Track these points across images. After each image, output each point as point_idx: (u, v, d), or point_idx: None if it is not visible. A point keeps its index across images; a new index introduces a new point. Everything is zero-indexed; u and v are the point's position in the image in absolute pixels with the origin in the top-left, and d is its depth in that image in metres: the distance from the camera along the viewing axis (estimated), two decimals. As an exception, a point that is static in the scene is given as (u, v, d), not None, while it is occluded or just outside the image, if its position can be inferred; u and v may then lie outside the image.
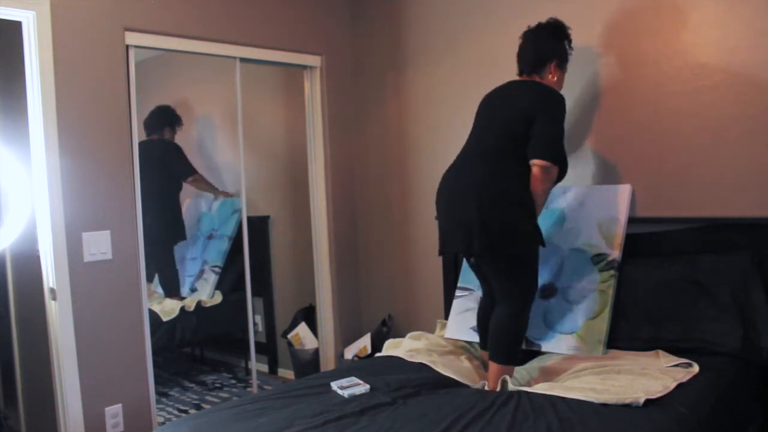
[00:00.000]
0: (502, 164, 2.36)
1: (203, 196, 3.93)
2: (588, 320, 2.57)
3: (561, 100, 2.45)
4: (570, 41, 2.61)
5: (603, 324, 2.53)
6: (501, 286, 2.43)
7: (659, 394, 1.95)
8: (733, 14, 2.52)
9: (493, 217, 2.29)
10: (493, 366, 2.34)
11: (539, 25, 2.60)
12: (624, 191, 2.73)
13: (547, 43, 2.54)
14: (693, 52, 2.62)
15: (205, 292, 3.75)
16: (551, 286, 2.73)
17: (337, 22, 3.76)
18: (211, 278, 3.77)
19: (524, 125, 2.37)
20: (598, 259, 2.66)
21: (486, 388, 2.30)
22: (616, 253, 2.63)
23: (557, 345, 2.59)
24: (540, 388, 2.13)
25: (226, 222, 3.81)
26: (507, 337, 2.36)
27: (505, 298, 2.41)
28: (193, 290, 3.80)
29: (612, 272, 2.60)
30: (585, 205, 2.79)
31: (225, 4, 3.22)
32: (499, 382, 2.27)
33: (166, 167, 3.71)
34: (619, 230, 2.66)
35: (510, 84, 2.57)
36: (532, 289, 2.44)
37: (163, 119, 3.69)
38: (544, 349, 2.62)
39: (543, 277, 2.70)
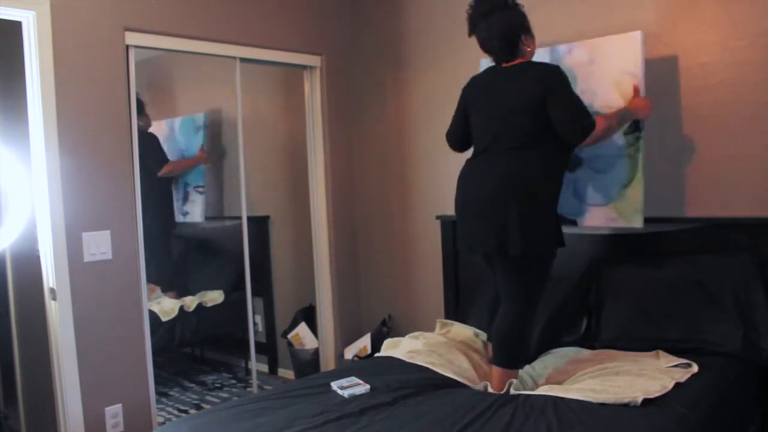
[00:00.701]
0: (525, 158, 2.27)
1: (164, 121, 3.87)
2: (621, 189, 2.51)
3: (558, 71, 2.30)
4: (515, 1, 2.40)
5: (638, 191, 2.48)
6: (511, 286, 2.35)
7: (657, 394, 1.95)
8: (732, 14, 2.52)
9: (528, 217, 2.22)
10: (497, 370, 2.32)
11: (475, 9, 2.41)
12: (635, 39, 2.51)
13: (503, 22, 2.35)
14: (693, 51, 2.62)
15: (197, 214, 3.76)
16: (575, 158, 2.61)
17: (337, 22, 3.76)
18: (198, 199, 3.77)
19: (533, 114, 2.26)
20: None
21: (489, 389, 2.29)
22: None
23: (592, 218, 2.56)
24: (541, 391, 2.13)
25: (191, 141, 3.79)
26: (512, 341, 2.31)
27: (513, 298, 2.34)
28: (184, 214, 3.80)
29: (637, 134, 2.50)
30: (595, 62, 2.61)
31: (225, 4, 3.22)
32: (506, 385, 2.26)
33: (145, 156, 3.63)
34: (638, 85, 2.49)
35: (498, 71, 2.43)
36: (541, 292, 2.40)
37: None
38: (579, 224, 2.60)
39: None
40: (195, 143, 3.76)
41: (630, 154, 2.51)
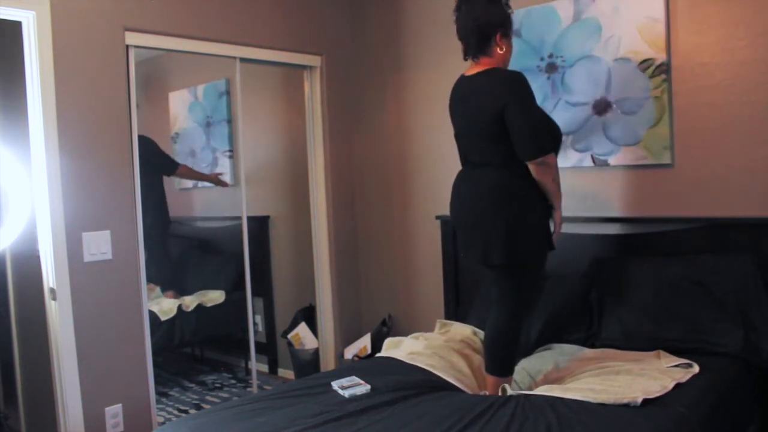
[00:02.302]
0: (501, 171, 2.23)
1: (187, 90, 3.95)
2: (649, 129, 2.69)
3: (520, 79, 2.20)
4: (507, 2, 2.31)
5: (665, 129, 2.65)
6: (500, 293, 2.33)
7: (657, 394, 1.95)
8: (732, 14, 2.52)
9: (509, 226, 2.19)
10: (490, 378, 2.32)
11: None
12: None
13: (483, 12, 2.24)
14: (693, 51, 2.62)
15: (226, 178, 3.79)
16: (604, 101, 2.81)
17: (337, 22, 3.76)
18: (227, 163, 3.81)
19: (498, 124, 2.19)
20: (645, 65, 2.69)
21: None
22: (663, 56, 2.65)
23: (624, 157, 2.77)
24: (540, 391, 2.13)
25: (217, 106, 3.84)
26: (504, 349, 2.30)
27: (502, 305, 2.32)
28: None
29: (663, 76, 2.65)
30: (619, 9, 2.75)
31: (225, 3, 3.22)
32: (499, 390, 2.26)
33: (143, 163, 3.67)
34: (662, 30, 2.65)
35: (465, 81, 2.34)
36: (530, 298, 2.39)
37: None
38: (612, 163, 2.80)
39: (594, 93, 2.82)
40: (220, 108, 3.80)
41: (657, 95, 2.67)
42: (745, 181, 2.52)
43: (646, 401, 1.91)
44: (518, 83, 2.20)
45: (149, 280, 3.31)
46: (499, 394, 2.24)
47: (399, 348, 2.76)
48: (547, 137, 2.23)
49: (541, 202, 2.27)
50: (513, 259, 2.21)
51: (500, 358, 2.30)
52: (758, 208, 2.50)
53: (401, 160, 3.66)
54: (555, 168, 2.25)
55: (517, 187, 2.22)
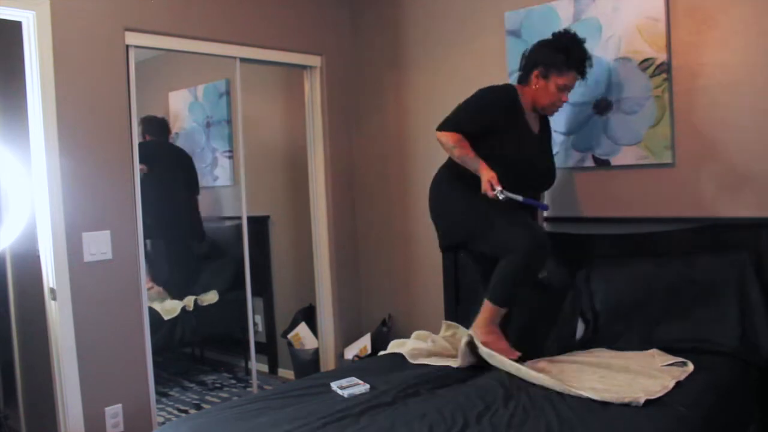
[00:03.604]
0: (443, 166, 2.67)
1: (187, 90, 4.00)
2: (650, 128, 2.70)
3: (485, 90, 2.54)
4: (569, 52, 2.50)
5: (666, 129, 2.66)
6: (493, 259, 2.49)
7: (659, 394, 1.95)
8: (731, 15, 2.53)
9: (435, 213, 2.65)
10: (487, 305, 2.42)
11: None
12: None
13: (536, 52, 2.56)
14: (693, 51, 2.62)
15: (226, 178, 3.85)
16: (605, 101, 2.83)
17: (337, 22, 3.76)
18: (227, 164, 3.85)
19: None
20: (646, 65, 2.69)
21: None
22: (663, 56, 2.65)
23: (625, 157, 2.78)
24: (533, 376, 2.13)
25: (216, 106, 3.88)
26: (511, 275, 2.40)
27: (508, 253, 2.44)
28: (214, 179, 3.92)
29: (664, 76, 2.65)
30: (619, 9, 2.77)
31: (225, 4, 3.22)
32: (465, 338, 2.34)
33: (184, 172, 3.83)
34: (662, 30, 2.65)
35: None
36: (526, 237, 2.40)
37: (165, 126, 3.74)
38: (613, 163, 2.82)
39: (595, 92, 2.85)
40: (220, 108, 3.84)
41: (657, 95, 2.67)
42: (746, 180, 2.52)
43: (647, 401, 1.91)
44: (481, 90, 2.55)
45: (163, 285, 3.34)
46: (464, 342, 2.33)
47: (403, 347, 2.74)
48: (449, 120, 2.50)
49: (463, 182, 2.49)
50: (451, 240, 2.63)
51: (503, 285, 2.42)
52: (758, 208, 2.50)
53: (401, 160, 3.66)
54: (449, 146, 2.48)
55: (444, 176, 2.63)
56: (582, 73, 2.56)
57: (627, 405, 1.90)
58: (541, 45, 2.57)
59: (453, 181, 2.58)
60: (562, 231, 2.97)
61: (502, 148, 2.47)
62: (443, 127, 2.50)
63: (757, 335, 2.35)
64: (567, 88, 2.55)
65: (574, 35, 2.55)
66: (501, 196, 2.30)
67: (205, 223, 4.01)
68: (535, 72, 2.53)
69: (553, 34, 2.59)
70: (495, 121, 2.49)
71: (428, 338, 2.82)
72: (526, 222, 2.47)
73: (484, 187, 2.35)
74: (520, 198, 2.33)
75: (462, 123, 2.48)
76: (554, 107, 2.60)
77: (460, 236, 2.59)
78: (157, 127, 3.72)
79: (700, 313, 2.43)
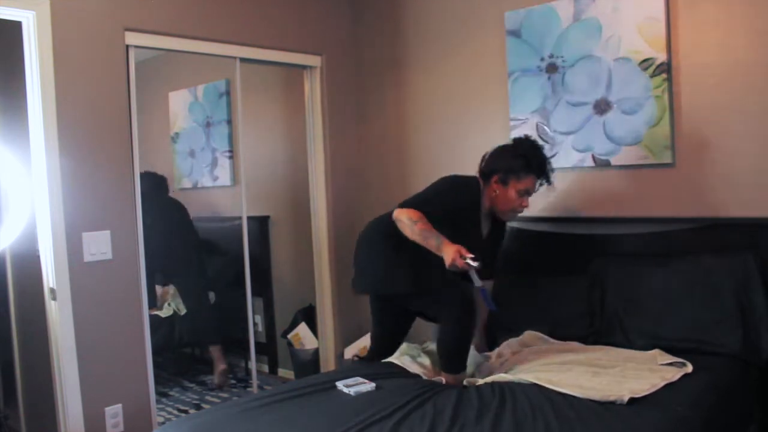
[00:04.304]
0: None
1: (187, 90, 4.01)
2: (650, 128, 2.70)
3: (450, 179, 2.58)
4: (528, 159, 2.50)
5: (666, 129, 2.66)
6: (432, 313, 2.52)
7: (644, 393, 1.95)
8: (730, 15, 2.53)
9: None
10: (449, 377, 2.36)
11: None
12: None
13: (495, 158, 2.55)
14: (693, 50, 2.62)
15: (227, 178, 3.83)
16: (604, 101, 2.82)
17: (337, 22, 3.76)
18: (227, 164, 3.84)
19: None
20: (646, 65, 2.69)
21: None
22: (663, 56, 2.65)
23: (625, 157, 2.78)
24: (521, 373, 2.14)
25: (217, 106, 3.87)
26: (455, 345, 2.38)
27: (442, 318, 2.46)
28: (214, 179, 3.90)
29: (664, 76, 2.65)
30: (619, 9, 2.77)
31: (225, 3, 3.22)
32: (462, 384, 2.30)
33: (186, 226, 3.91)
34: (662, 30, 2.65)
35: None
36: (456, 303, 2.38)
37: (164, 183, 3.83)
38: (614, 163, 2.81)
39: (595, 92, 2.84)
40: (220, 108, 3.84)
41: (657, 95, 2.67)
42: (746, 180, 2.52)
43: (639, 399, 1.91)
44: (444, 179, 2.60)
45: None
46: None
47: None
48: (410, 202, 2.50)
49: (401, 250, 2.45)
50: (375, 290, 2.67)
51: (452, 356, 2.38)
52: (758, 208, 2.50)
53: (401, 159, 3.66)
54: (412, 220, 2.37)
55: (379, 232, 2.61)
56: (544, 177, 2.55)
57: (622, 404, 1.90)
58: (501, 150, 2.56)
59: (389, 238, 2.51)
60: (563, 231, 2.97)
61: (453, 238, 2.30)
62: (405, 205, 2.46)
63: (758, 336, 2.35)
64: (527, 193, 2.53)
65: (534, 142, 2.56)
66: (474, 264, 2.19)
67: (206, 223, 4.01)
68: (495, 177, 2.52)
69: (513, 140, 2.61)
70: (456, 210, 2.48)
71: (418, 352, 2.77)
72: (458, 285, 2.42)
73: (452, 258, 2.20)
74: (480, 283, 2.26)
75: (424, 204, 2.45)
76: (513, 213, 2.59)
77: (387, 290, 2.57)
78: (155, 184, 3.72)
79: (700, 314, 2.43)
